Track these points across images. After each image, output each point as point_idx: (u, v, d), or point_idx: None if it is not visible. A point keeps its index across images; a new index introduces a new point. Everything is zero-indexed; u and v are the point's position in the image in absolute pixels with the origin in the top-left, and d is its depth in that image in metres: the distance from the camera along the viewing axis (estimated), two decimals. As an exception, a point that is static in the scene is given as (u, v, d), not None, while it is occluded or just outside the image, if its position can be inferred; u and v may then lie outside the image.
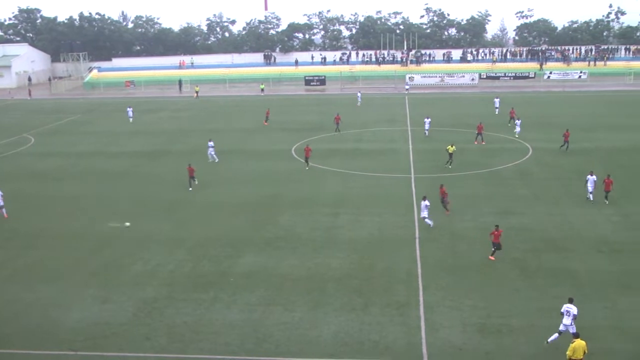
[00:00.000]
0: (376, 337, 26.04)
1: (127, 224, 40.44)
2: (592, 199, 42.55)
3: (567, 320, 24.69)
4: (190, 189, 48.23)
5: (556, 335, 24.91)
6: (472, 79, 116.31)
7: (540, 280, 30.94)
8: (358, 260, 34.13)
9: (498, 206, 42.65)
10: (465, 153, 57.46)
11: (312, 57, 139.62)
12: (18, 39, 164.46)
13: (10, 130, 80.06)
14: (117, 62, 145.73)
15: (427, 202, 38.15)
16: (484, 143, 62.03)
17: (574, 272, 31.38)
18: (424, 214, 38.26)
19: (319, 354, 24.93)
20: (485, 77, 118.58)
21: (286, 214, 42.11)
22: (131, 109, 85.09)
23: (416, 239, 36.95)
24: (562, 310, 25.00)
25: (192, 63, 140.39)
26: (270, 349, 25.44)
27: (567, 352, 22.64)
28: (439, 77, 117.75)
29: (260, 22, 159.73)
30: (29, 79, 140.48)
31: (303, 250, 35.72)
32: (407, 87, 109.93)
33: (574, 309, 24.75)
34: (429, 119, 68.35)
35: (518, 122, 65.79)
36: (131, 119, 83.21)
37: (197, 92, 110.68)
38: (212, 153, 58.29)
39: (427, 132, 67.31)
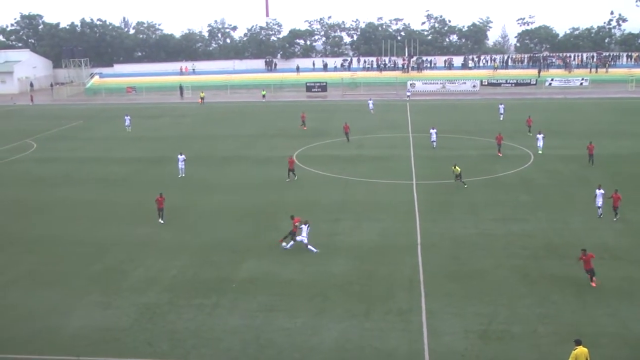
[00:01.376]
0: (378, 343, 26.00)
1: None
2: (601, 214, 40.91)
3: None
4: (161, 220, 42.40)
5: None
6: (474, 86, 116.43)
7: (541, 287, 30.88)
8: (359, 266, 34.10)
9: (499, 213, 42.64)
10: (467, 159, 57.44)
11: (314, 64, 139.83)
12: (20, 44, 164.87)
13: (12, 135, 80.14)
14: (118, 68, 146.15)
15: None
16: (500, 155, 59.75)
17: (576, 279, 31.30)
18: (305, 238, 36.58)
19: (320, 361, 24.91)
20: (486, 83, 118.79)
21: (287, 220, 42.04)
22: (129, 117, 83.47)
23: (418, 245, 36.93)
24: None
25: (193, 69, 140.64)
26: (272, 355, 25.39)
27: None
28: (441, 83, 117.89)
29: (261, 28, 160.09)
30: (31, 85, 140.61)
31: (304, 256, 35.67)
32: (408, 93, 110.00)
33: None
34: (435, 130, 64.80)
35: (540, 136, 61.05)
36: (128, 128, 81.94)
37: (202, 98, 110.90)
38: (182, 167, 55.37)
39: (434, 143, 64.02)
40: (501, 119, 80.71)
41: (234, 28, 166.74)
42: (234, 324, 28.07)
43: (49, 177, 57.22)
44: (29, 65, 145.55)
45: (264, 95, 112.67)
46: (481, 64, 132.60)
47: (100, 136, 78.63)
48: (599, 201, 40.88)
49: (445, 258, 34.91)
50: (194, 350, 25.98)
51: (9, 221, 43.87)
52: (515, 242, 36.92)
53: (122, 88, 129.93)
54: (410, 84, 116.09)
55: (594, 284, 30.68)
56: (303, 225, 36.87)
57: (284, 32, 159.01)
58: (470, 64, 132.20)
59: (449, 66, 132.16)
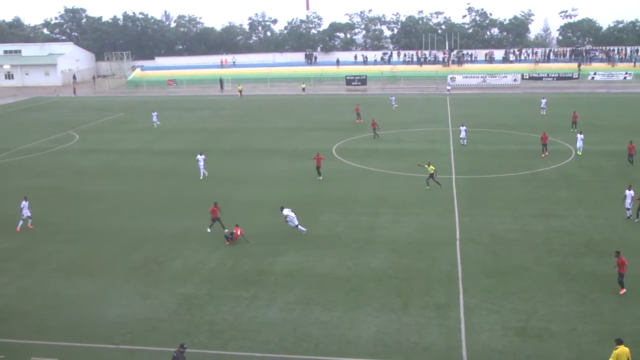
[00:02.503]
0: (415, 338, 25.97)
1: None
2: (629, 215, 39.72)
3: None
4: (209, 230, 39.58)
5: None
6: (515, 80, 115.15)
7: (581, 285, 30.53)
8: (397, 260, 34.06)
9: (539, 208, 42.18)
10: (507, 154, 56.89)
11: (356, 57, 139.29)
12: (64, 38, 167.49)
13: (55, 127, 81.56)
14: (159, 61, 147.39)
15: None
16: (547, 154, 57.02)
17: (616, 277, 30.81)
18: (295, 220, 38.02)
19: (357, 354, 24.94)
20: (527, 77, 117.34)
21: (326, 213, 42.17)
22: (156, 113, 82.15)
23: (456, 240, 36.74)
24: None
25: (233, 62, 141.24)
26: (309, 348, 25.52)
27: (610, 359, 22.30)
28: (481, 77, 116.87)
29: (301, 21, 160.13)
30: (74, 77, 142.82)
31: (343, 249, 35.75)
32: (448, 87, 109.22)
33: None
34: (465, 127, 63.72)
35: (580, 136, 58.09)
36: (156, 124, 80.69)
37: (240, 91, 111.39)
38: (202, 166, 53.03)
39: (463, 140, 62.65)
40: (543, 113, 79.74)
41: (275, 21, 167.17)
42: (271, 316, 28.25)
43: (90, 168, 58.07)
44: (72, 58, 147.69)
45: (303, 89, 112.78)
46: (522, 58, 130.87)
47: (141, 128, 79.51)
48: (628, 202, 39.72)
49: (484, 253, 34.68)
50: (231, 341, 26.20)
51: (51, 211, 44.64)
52: (554, 239, 36.52)
53: (163, 81, 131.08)
54: (451, 78, 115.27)
55: (622, 292, 29.60)
56: (289, 213, 38.13)
57: (324, 26, 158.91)
58: (512, 57, 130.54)
59: (490, 60, 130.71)
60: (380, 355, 24.84)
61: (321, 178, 50.83)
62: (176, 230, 39.95)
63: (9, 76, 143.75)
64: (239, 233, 37.26)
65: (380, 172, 53.11)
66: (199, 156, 53.20)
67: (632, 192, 39.95)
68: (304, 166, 54.65)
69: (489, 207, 42.61)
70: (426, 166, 47.80)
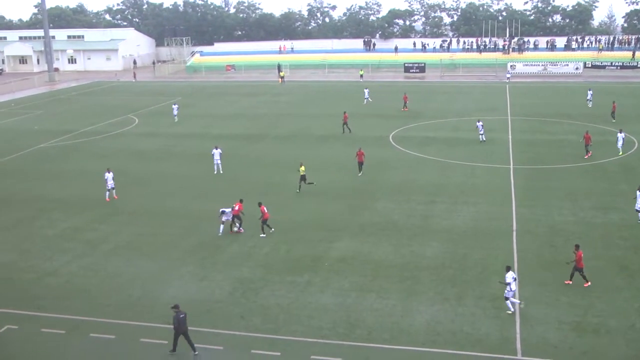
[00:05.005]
0: (469, 329, 25.78)
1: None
2: None
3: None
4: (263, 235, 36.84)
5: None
6: (577, 68, 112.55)
7: (641, 280, 29.87)
8: (453, 250, 33.82)
9: (598, 201, 41.30)
10: (567, 144, 55.80)
11: (415, 44, 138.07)
12: (125, 23, 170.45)
13: (116, 110, 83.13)
14: (218, 46, 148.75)
15: None
16: (590, 154, 52.18)
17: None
18: None
19: (410, 343, 24.91)
20: (590, 66, 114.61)
21: (382, 201, 42.08)
22: (177, 106, 77.14)
23: (513, 231, 36.28)
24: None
25: (292, 48, 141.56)
26: (362, 335, 25.57)
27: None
28: (542, 65, 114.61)
29: (360, 7, 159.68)
30: (134, 62, 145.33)
31: (398, 237, 35.65)
32: (508, 75, 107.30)
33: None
34: (481, 122, 59.68)
35: (621, 135, 53.42)
36: (176, 118, 75.22)
37: (282, 78, 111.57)
38: (218, 162, 50.57)
39: (482, 137, 58.69)
40: (590, 105, 76.54)
41: (333, 7, 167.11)
42: (325, 302, 28.39)
43: (149, 151, 59.08)
44: (132, 44, 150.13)
45: (361, 75, 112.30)
46: (585, 46, 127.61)
47: (199, 113, 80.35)
48: (638, 204, 37.31)
49: (541, 245, 34.18)
50: (285, 326, 26.43)
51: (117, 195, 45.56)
52: (614, 233, 35.74)
53: (222, 66, 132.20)
54: (511, 66, 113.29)
55: (569, 282, 29.51)
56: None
57: (383, 12, 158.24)
58: (574, 45, 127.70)
59: (551, 47, 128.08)
60: (432, 344, 24.74)
61: (361, 174, 48.50)
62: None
63: (72, 60, 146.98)
64: (237, 208, 36.97)
65: (437, 160, 52.70)
66: (214, 150, 50.79)
67: None
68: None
69: (547, 198, 41.91)
70: (300, 168, 45.14)
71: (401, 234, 36.10)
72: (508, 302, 27.08)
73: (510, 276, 27.13)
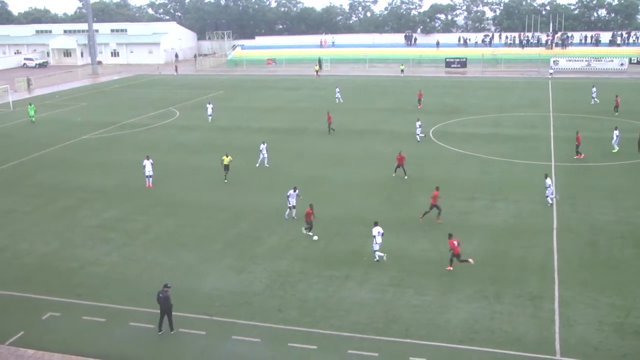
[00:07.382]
0: (507, 327, 25.57)
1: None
2: None
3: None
4: (309, 232, 36.11)
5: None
6: (621, 64, 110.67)
7: (686, 281, 29.30)
8: (492, 247, 33.59)
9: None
10: (607, 142, 54.81)
11: (459, 40, 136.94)
12: (167, 17, 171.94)
13: (157, 103, 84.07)
14: (259, 40, 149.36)
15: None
16: (581, 156, 50.63)
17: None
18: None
19: (447, 340, 24.78)
20: (635, 62, 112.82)
21: (421, 196, 41.85)
22: (211, 105, 72.36)
23: (553, 229, 35.87)
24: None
25: (333, 42, 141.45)
26: (399, 331, 25.53)
27: None
28: (586, 61, 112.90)
29: (402, 2, 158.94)
30: (176, 56, 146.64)
31: (436, 233, 35.44)
32: (551, 71, 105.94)
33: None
34: (420, 122, 58.57)
35: (616, 132, 52.65)
36: (210, 117, 71.28)
37: (317, 71, 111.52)
38: (265, 156, 50.65)
39: (418, 136, 58.10)
40: (596, 102, 75.22)
41: (375, 1, 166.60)
42: (362, 297, 28.40)
43: (190, 144, 59.60)
44: (174, 37, 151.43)
45: (402, 70, 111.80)
46: (631, 41, 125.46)
47: (240, 106, 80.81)
48: None
49: (582, 244, 33.73)
50: (322, 320, 26.49)
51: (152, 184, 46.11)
52: (658, 232, 35.13)
53: (263, 60, 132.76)
54: (554, 61, 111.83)
55: (450, 268, 30.90)
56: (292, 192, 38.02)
57: (425, 7, 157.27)
58: (619, 40, 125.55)
59: (596, 43, 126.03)
60: (470, 342, 24.60)
61: (395, 175, 47.19)
62: (272, 207, 40.48)
63: (114, 54, 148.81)
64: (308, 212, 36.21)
65: (477, 156, 52.31)
66: (262, 145, 50.89)
67: None
68: (401, 148, 54.19)
69: (588, 197, 41.35)
70: (224, 157, 46.68)
71: (439, 229, 35.89)
72: (376, 253, 31.68)
73: (376, 230, 31.62)
